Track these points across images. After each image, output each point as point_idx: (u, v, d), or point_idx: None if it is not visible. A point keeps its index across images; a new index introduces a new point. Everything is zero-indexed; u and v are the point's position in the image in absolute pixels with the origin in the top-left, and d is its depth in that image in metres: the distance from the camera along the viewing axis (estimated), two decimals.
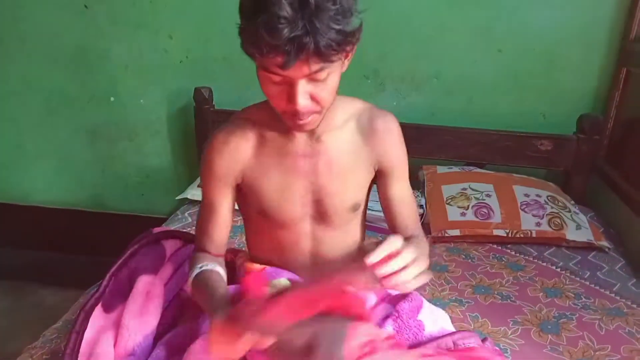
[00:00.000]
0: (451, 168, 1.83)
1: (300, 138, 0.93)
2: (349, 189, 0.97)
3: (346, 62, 0.84)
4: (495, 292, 1.34)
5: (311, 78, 0.76)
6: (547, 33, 1.79)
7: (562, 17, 1.77)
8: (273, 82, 0.78)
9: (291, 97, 0.78)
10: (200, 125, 2.01)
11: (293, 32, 0.68)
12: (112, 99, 2.12)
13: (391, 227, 1.01)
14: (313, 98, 0.79)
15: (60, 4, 2.01)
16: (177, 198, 1.95)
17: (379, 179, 1.00)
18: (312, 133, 0.93)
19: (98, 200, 2.31)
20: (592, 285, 1.39)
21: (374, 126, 0.96)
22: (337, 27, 0.70)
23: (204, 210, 0.98)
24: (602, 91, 1.83)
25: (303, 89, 0.77)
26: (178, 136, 2.15)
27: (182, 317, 1.05)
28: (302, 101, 0.78)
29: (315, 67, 0.74)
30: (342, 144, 0.95)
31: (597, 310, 1.28)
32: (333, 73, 0.79)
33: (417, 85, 1.93)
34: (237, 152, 0.94)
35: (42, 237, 2.35)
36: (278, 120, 0.89)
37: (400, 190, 1.00)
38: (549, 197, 1.67)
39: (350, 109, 0.97)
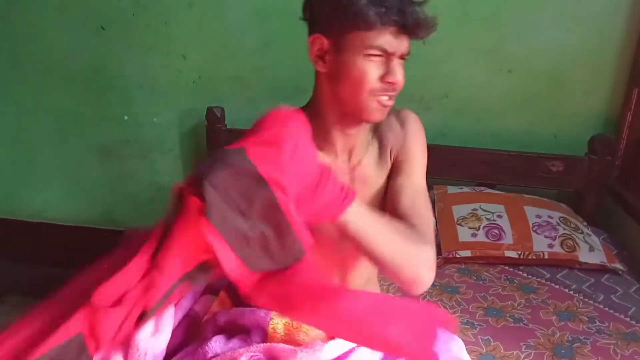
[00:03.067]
0: (462, 188, 1.83)
1: (340, 155, 0.93)
2: (375, 204, 0.95)
3: None
4: (508, 315, 1.33)
5: (402, 57, 0.86)
6: (557, 54, 1.80)
7: (571, 39, 1.78)
8: (371, 57, 0.83)
9: (392, 72, 0.84)
10: (212, 144, 2.03)
11: (411, 5, 0.81)
12: (125, 117, 2.15)
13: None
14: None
15: (77, 25, 2.06)
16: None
17: (389, 175, 0.96)
18: (351, 152, 0.93)
19: (109, 217, 2.33)
20: (607, 309, 1.37)
21: (388, 124, 0.97)
22: (426, 11, 0.84)
23: None
24: (614, 112, 1.82)
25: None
26: (190, 154, 2.17)
27: (192, 337, 1.04)
28: (401, 76, 0.85)
29: (409, 46, 0.85)
30: (370, 157, 0.95)
31: (612, 334, 1.25)
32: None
33: (427, 105, 1.93)
34: None
35: (52, 253, 2.36)
36: (318, 128, 0.89)
37: (408, 182, 0.92)
38: (561, 219, 1.65)
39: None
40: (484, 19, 1.81)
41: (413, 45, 2.03)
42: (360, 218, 0.76)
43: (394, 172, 0.96)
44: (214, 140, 2.02)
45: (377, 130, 0.97)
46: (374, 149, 0.96)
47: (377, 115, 0.87)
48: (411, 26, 0.81)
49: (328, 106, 0.90)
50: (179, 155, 2.18)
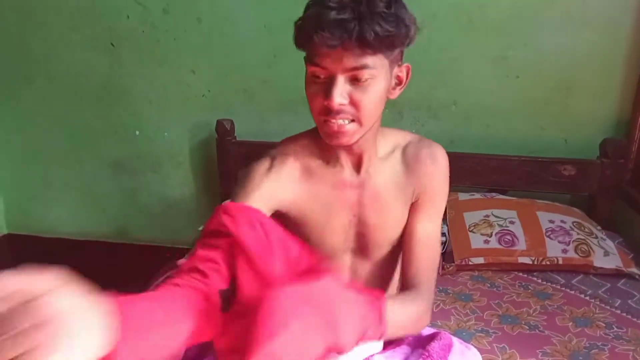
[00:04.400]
0: (473, 195, 1.82)
1: (347, 169, 0.91)
2: (390, 223, 0.94)
3: (397, 90, 0.86)
4: (523, 322, 1.31)
5: (352, 76, 0.77)
6: (565, 59, 1.80)
7: (579, 42, 1.77)
8: (315, 77, 0.79)
9: (328, 92, 0.77)
10: (223, 156, 2.05)
11: (340, 15, 0.72)
12: (137, 132, 2.18)
13: (403, 266, 0.93)
14: (352, 101, 0.79)
15: (88, 42, 2.10)
16: (199, 229, 1.97)
17: (410, 212, 0.95)
18: (358, 164, 0.91)
19: (122, 231, 2.35)
20: (624, 314, 1.35)
21: (418, 155, 0.93)
22: (385, 23, 0.73)
23: None
24: (625, 115, 1.81)
25: (341, 86, 0.77)
26: (200, 167, 2.19)
27: (207, 350, 1.04)
28: (337, 97, 0.77)
29: (356, 60, 0.75)
30: (387, 176, 0.92)
31: (630, 340, 1.24)
32: (377, 80, 0.79)
33: (435, 112, 1.94)
34: (282, 178, 0.90)
35: (66, 268, 2.39)
36: (322, 146, 0.90)
37: (429, 229, 0.93)
38: (574, 223, 1.64)
39: (397, 139, 0.95)
40: (490, 25, 1.82)
41: (420, 53, 2.04)
42: (387, 333, 0.76)
43: (416, 209, 0.94)
44: (224, 153, 2.04)
45: (405, 153, 0.94)
46: (397, 169, 0.93)
47: (333, 140, 0.82)
48: (328, 37, 0.73)
49: None
50: (190, 168, 2.20)
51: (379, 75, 0.79)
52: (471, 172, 1.86)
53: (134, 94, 2.13)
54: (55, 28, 2.11)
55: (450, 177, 0.98)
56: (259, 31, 1.96)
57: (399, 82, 0.86)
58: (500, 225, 1.64)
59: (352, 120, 0.81)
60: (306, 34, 0.75)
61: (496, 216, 1.67)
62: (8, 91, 2.23)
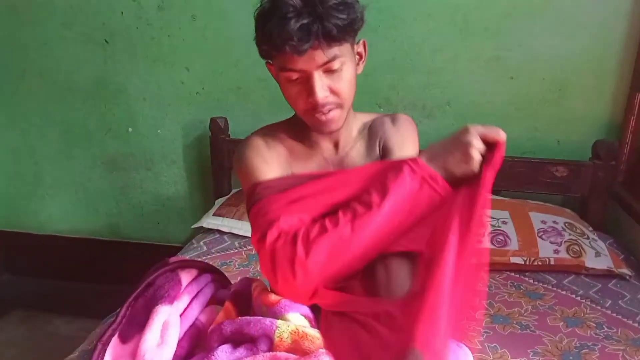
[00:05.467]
0: None
1: (327, 149, 0.97)
2: None
3: (361, 65, 0.91)
4: (514, 322, 1.32)
5: (326, 69, 0.83)
6: (558, 60, 1.80)
7: (573, 45, 1.78)
8: (291, 81, 0.84)
9: (310, 91, 0.83)
10: (216, 154, 2.04)
11: (300, 21, 0.77)
12: (130, 129, 2.17)
13: None
14: (332, 90, 0.85)
15: (82, 39, 2.08)
16: (192, 227, 1.97)
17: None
18: (335, 145, 0.97)
19: (114, 228, 2.34)
20: (614, 315, 1.36)
21: (381, 123, 1.00)
22: (340, 14, 0.79)
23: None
24: (617, 117, 1.82)
25: (320, 81, 0.83)
26: (194, 165, 2.19)
27: (197, 347, 1.04)
28: (320, 92, 0.83)
29: (326, 55, 0.81)
30: (359, 150, 0.98)
31: (620, 340, 1.24)
32: (346, 64, 0.85)
33: (429, 113, 1.94)
34: (274, 154, 0.94)
35: (58, 266, 2.37)
36: (300, 134, 0.94)
37: None
38: (566, 224, 1.64)
39: (365, 118, 1.02)
40: (485, 26, 1.82)
41: (414, 53, 2.03)
42: None
43: (385, 157, 0.98)
44: (218, 151, 2.03)
45: (371, 128, 1.01)
46: (365, 142, 1.00)
47: (324, 129, 0.89)
48: (299, 44, 0.78)
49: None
50: (184, 166, 2.20)
51: (347, 60, 0.85)
52: None
53: (127, 91, 2.12)
54: (49, 24, 2.09)
55: None
56: (254, 29, 1.95)
57: (360, 57, 0.91)
58: (493, 226, 1.64)
59: (336, 107, 0.86)
60: (274, 46, 0.80)
61: (489, 216, 1.68)
62: (0, 87, 2.22)
